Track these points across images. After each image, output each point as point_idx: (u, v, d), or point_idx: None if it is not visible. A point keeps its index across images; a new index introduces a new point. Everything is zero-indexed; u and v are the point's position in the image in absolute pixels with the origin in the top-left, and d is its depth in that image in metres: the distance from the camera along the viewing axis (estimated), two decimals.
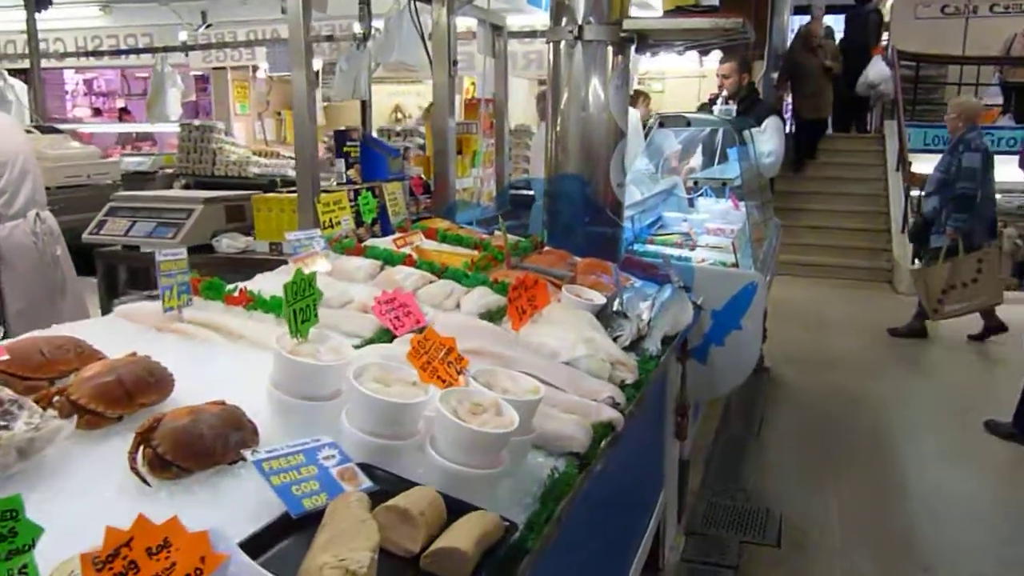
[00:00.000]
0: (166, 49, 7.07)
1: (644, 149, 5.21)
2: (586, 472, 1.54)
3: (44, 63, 9.95)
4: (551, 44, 3.17)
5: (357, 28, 5.31)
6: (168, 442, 1.19)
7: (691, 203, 5.25)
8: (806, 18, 12.52)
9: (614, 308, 2.38)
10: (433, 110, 3.55)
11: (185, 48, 7.19)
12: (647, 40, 3.22)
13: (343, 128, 3.32)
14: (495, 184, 4.18)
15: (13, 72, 9.21)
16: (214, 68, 11.42)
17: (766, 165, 5.49)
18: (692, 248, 4.37)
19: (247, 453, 1.20)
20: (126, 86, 14.35)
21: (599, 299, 2.45)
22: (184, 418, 1.23)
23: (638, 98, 5.27)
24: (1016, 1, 13.03)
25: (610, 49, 3.12)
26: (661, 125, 3.80)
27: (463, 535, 1.11)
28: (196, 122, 7.42)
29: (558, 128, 3.22)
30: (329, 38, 6.55)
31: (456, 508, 1.20)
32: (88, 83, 15.07)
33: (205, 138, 7.04)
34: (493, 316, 2.20)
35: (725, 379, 3.73)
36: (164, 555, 0.86)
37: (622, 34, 3.08)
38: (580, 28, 3.06)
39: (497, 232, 3.26)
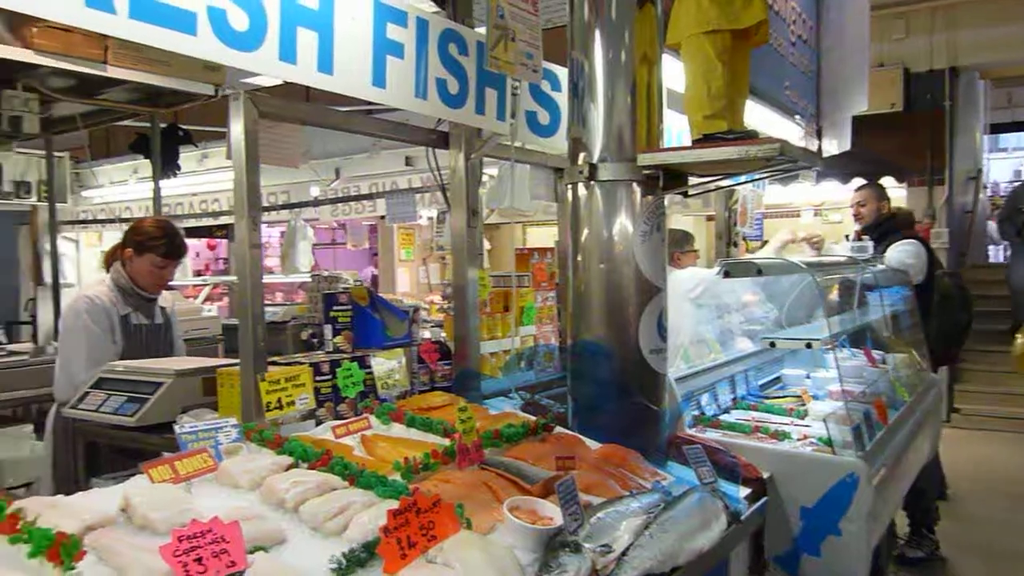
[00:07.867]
0: (299, 204, 7.36)
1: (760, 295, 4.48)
2: None
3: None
4: (568, 186, 2.69)
5: None
6: None
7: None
8: (1009, 137, 11.19)
9: (563, 538, 1.74)
10: (452, 263, 3.14)
11: (316, 203, 7.45)
12: (681, 177, 2.65)
13: (331, 291, 2.97)
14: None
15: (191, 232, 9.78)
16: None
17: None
18: (803, 416, 3.54)
19: None
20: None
21: (559, 520, 1.82)
22: None
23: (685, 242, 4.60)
24: None
25: (637, 189, 2.59)
26: (726, 275, 3.13)
27: None
28: (325, 272, 7.55)
29: (577, 285, 2.68)
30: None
31: None
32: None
33: (332, 288, 7.04)
34: None
35: None
36: None
37: (645, 172, 2.54)
38: (592, 167, 2.56)
39: (500, 413, 2.72)
